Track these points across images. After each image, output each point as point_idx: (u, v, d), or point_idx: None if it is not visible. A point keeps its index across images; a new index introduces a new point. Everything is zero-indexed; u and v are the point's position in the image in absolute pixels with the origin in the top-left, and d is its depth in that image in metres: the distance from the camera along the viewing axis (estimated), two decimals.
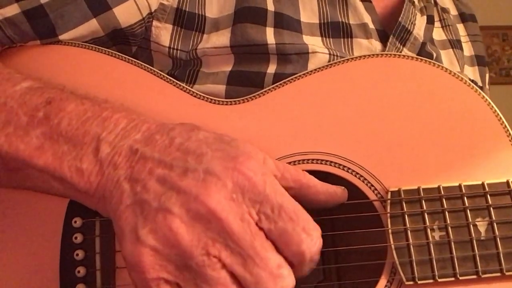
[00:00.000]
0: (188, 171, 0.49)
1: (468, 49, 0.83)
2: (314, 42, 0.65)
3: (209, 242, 0.47)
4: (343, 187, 0.57)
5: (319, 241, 0.50)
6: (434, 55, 0.73)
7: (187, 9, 0.64)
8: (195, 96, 0.61)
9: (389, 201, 0.58)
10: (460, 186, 0.58)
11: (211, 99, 0.61)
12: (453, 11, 0.86)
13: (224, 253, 0.47)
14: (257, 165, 0.50)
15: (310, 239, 0.49)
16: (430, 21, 0.75)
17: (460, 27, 0.84)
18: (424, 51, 0.72)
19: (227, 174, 0.48)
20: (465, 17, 0.86)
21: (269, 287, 0.47)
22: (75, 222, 0.58)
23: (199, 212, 0.47)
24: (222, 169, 0.48)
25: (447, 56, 0.78)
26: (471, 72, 0.82)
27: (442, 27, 0.80)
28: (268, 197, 0.49)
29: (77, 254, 0.58)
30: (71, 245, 0.58)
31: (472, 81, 0.79)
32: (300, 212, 0.50)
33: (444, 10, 0.82)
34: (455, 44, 0.80)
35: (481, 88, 0.82)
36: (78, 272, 0.57)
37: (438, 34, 0.79)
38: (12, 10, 0.59)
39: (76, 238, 0.58)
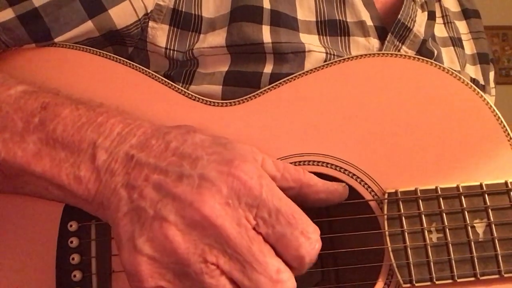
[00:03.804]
0: (183, 176, 0.49)
1: (470, 47, 0.82)
2: (311, 41, 0.65)
3: (206, 249, 0.47)
4: (344, 184, 0.57)
5: (318, 244, 0.50)
6: (435, 52, 0.72)
7: (183, 10, 0.64)
8: (190, 98, 0.61)
9: (386, 202, 0.57)
10: (458, 187, 0.58)
11: (207, 100, 0.61)
12: (456, 8, 0.84)
13: (222, 259, 0.47)
14: (253, 168, 0.49)
15: (309, 242, 0.49)
16: (431, 17, 0.74)
17: (462, 24, 0.83)
18: (424, 48, 0.71)
19: (222, 179, 0.48)
20: (468, 13, 0.84)
21: None
22: (71, 226, 0.58)
23: (194, 219, 0.47)
24: (217, 174, 0.48)
25: (448, 54, 0.77)
26: (473, 70, 0.81)
27: (444, 23, 0.79)
28: (264, 201, 0.48)
29: (73, 258, 0.58)
30: (67, 249, 0.58)
31: (474, 80, 0.78)
32: (298, 215, 0.49)
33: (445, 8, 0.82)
34: (456, 42, 0.79)
35: (483, 86, 0.81)
36: (74, 276, 0.57)
37: (440, 30, 0.78)
38: (6, 14, 0.58)
39: (71, 242, 0.58)
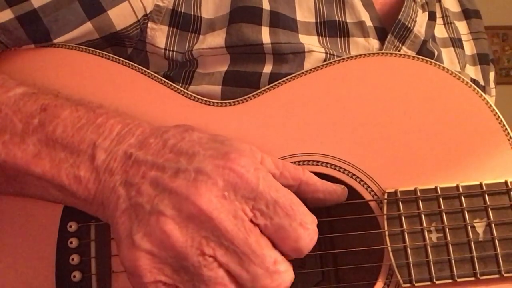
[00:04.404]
0: (179, 171, 0.49)
1: (470, 48, 0.82)
2: (310, 41, 0.65)
3: (203, 241, 0.47)
4: (343, 186, 0.57)
5: (316, 234, 0.50)
6: (436, 53, 0.72)
7: (182, 10, 0.64)
8: (189, 98, 0.61)
9: (385, 202, 0.57)
10: (457, 186, 0.57)
11: (206, 100, 0.61)
12: (456, 8, 0.84)
13: (219, 251, 0.47)
14: (249, 161, 0.50)
15: (308, 233, 0.49)
16: (432, 17, 0.74)
17: (462, 25, 0.83)
18: (425, 49, 0.71)
19: (218, 172, 0.48)
20: (469, 14, 0.84)
21: (266, 284, 0.47)
22: (70, 226, 0.58)
23: (191, 212, 0.47)
24: (213, 167, 0.48)
25: (448, 55, 0.77)
26: (473, 71, 0.81)
27: (444, 24, 0.79)
28: (262, 193, 0.49)
29: (73, 259, 0.58)
30: (67, 250, 0.58)
31: (474, 80, 0.78)
32: (296, 206, 0.50)
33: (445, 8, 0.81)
34: (456, 43, 0.79)
35: (483, 87, 0.81)
36: (74, 277, 0.57)
37: (440, 31, 0.78)
38: (5, 15, 0.58)
39: (71, 242, 0.58)
